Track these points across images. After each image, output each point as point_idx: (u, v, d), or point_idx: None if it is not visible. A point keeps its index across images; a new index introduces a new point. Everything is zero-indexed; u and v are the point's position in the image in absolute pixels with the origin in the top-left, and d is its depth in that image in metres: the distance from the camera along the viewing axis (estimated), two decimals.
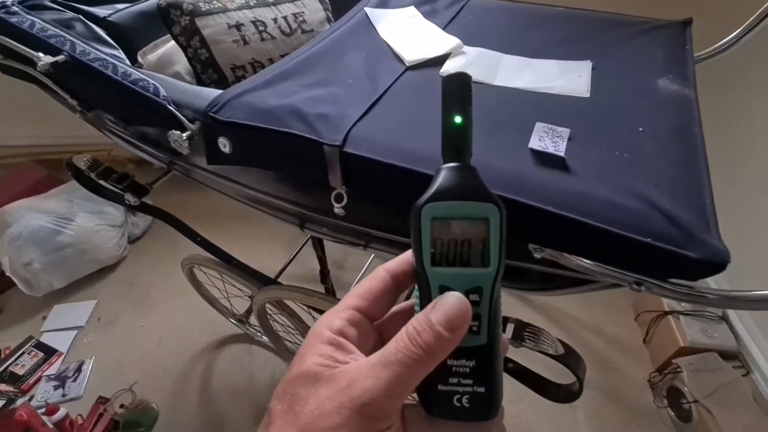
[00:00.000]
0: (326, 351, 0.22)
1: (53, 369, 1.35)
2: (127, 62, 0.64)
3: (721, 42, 0.68)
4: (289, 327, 1.07)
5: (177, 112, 0.55)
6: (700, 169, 0.43)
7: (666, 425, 1.18)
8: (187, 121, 0.55)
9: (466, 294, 0.22)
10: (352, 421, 0.19)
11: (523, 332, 0.55)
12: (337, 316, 0.24)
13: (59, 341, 1.43)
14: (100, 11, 0.74)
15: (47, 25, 0.62)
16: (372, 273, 0.26)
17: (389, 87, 0.58)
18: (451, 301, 0.22)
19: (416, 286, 0.25)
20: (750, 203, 1.23)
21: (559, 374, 0.59)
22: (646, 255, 0.37)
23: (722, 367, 1.15)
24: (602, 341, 1.39)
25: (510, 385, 0.66)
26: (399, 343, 0.21)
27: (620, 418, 1.21)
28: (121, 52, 0.69)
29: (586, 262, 0.40)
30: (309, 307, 0.90)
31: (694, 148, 0.46)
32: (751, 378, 1.22)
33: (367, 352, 0.23)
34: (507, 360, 0.65)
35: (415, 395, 0.24)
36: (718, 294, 0.34)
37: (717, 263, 0.34)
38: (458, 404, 0.23)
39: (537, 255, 0.43)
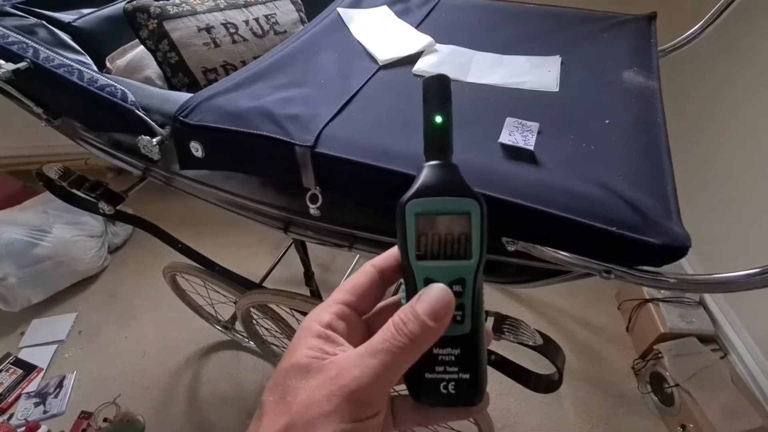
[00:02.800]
0: (316, 344, 0.23)
1: (33, 385, 1.32)
2: (94, 68, 0.63)
3: (685, 35, 0.70)
4: (275, 331, 1.07)
5: (146, 117, 0.54)
6: (663, 158, 0.44)
7: (650, 410, 1.21)
8: (156, 126, 0.54)
9: (450, 285, 0.23)
10: (342, 407, 0.20)
11: (503, 325, 0.56)
12: (326, 310, 0.25)
13: (39, 357, 1.39)
14: (65, 16, 0.72)
15: (8, 32, 0.60)
16: (360, 269, 0.27)
17: (362, 86, 0.58)
18: (436, 292, 0.23)
19: (403, 281, 0.26)
20: (724, 192, 1.27)
21: (546, 366, 0.60)
22: (612, 243, 0.38)
23: (701, 350, 1.19)
24: (587, 331, 1.41)
25: (499, 379, 0.67)
26: (386, 333, 0.22)
27: (606, 405, 1.23)
28: (88, 57, 0.67)
29: (556, 253, 0.41)
30: (293, 309, 0.89)
31: (657, 138, 0.47)
32: (729, 360, 1.25)
33: (356, 345, 0.23)
34: (490, 352, 0.66)
35: (403, 386, 0.25)
36: (677, 278, 0.35)
37: (678, 248, 0.35)
38: (445, 391, 0.24)
39: (510, 248, 0.44)
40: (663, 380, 1.16)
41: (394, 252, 0.27)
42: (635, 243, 0.36)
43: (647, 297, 1.31)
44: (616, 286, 1.49)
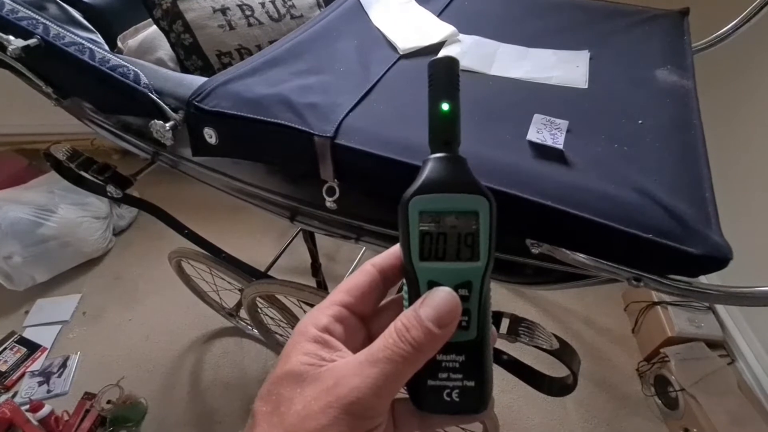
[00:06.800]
0: (312, 349, 0.22)
1: (37, 365, 1.32)
2: (106, 47, 0.61)
3: (719, 32, 0.67)
4: (280, 320, 1.06)
5: (159, 101, 0.52)
6: (700, 163, 0.42)
7: (653, 413, 1.20)
8: (170, 111, 0.52)
9: (455, 289, 0.22)
10: (340, 420, 0.19)
11: (518, 327, 0.55)
12: (323, 312, 0.24)
13: (43, 336, 1.40)
14: None
15: (18, 7, 0.58)
16: (359, 268, 0.26)
17: (382, 76, 0.56)
18: (441, 297, 0.21)
19: (405, 282, 0.24)
20: (745, 196, 1.24)
21: (549, 364, 0.59)
22: (646, 250, 0.36)
23: (708, 356, 1.18)
24: (592, 331, 1.41)
25: (502, 376, 0.66)
26: (387, 339, 0.21)
27: (609, 406, 1.23)
28: (99, 36, 0.65)
29: (584, 258, 0.39)
30: (300, 300, 0.88)
31: (693, 141, 0.45)
32: (736, 366, 1.24)
33: (356, 350, 0.22)
34: (501, 353, 0.65)
35: (404, 389, 0.23)
36: (721, 291, 0.33)
37: (718, 259, 0.34)
38: (448, 399, 0.23)
39: (534, 250, 0.42)
40: (668, 384, 1.16)
41: (395, 251, 0.25)
42: (673, 252, 0.34)
43: (655, 300, 1.30)
44: (623, 287, 1.47)
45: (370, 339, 0.25)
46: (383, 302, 0.26)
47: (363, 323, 0.25)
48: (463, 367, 0.23)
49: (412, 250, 0.23)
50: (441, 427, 0.25)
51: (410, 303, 0.23)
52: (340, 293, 0.24)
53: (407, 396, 0.24)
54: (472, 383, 0.23)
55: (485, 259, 0.23)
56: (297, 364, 0.21)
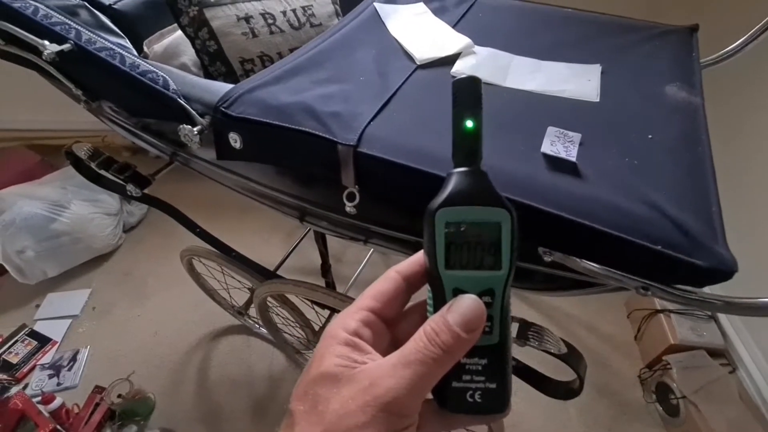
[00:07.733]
0: (343, 352, 0.23)
1: (47, 358, 1.35)
2: (134, 52, 0.63)
3: (727, 49, 0.69)
4: (288, 320, 1.08)
5: (188, 107, 0.54)
6: (708, 178, 0.44)
7: (654, 420, 1.22)
8: (197, 116, 0.54)
9: (479, 296, 0.23)
10: (378, 418, 0.20)
11: (528, 332, 0.56)
12: (351, 317, 0.25)
13: (53, 330, 1.42)
14: None
15: (51, 12, 0.60)
16: (383, 274, 0.27)
17: (400, 86, 0.58)
18: (467, 303, 0.23)
19: (429, 289, 0.25)
20: (751, 210, 1.25)
21: (548, 367, 0.61)
22: (655, 261, 0.38)
23: (710, 364, 1.19)
24: (595, 338, 1.42)
25: None
26: (418, 343, 0.22)
27: (610, 412, 1.24)
28: (128, 41, 0.67)
29: (595, 267, 0.41)
30: (312, 301, 0.90)
31: (701, 156, 0.47)
32: (737, 375, 1.25)
33: (383, 352, 0.24)
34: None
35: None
36: (725, 301, 0.35)
37: (724, 271, 0.35)
38: (471, 399, 0.24)
39: (546, 258, 0.44)
40: (669, 391, 1.17)
41: (418, 258, 0.26)
42: (680, 263, 0.36)
43: (658, 308, 1.31)
44: (626, 295, 1.49)
45: (394, 342, 0.26)
46: (406, 307, 0.28)
47: (387, 327, 0.26)
48: (485, 370, 0.24)
49: (439, 258, 0.24)
50: (462, 426, 0.27)
51: (435, 309, 0.24)
52: (367, 299, 0.26)
53: (429, 397, 0.25)
54: (493, 385, 0.24)
55: (507, 268, 0.24)
56: (331, 365, 0.22)
